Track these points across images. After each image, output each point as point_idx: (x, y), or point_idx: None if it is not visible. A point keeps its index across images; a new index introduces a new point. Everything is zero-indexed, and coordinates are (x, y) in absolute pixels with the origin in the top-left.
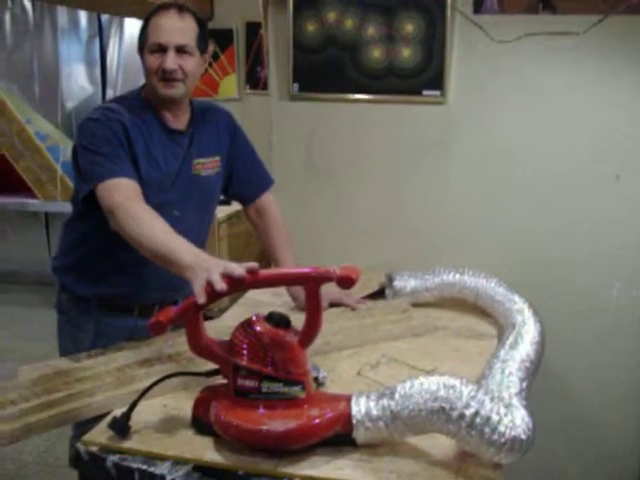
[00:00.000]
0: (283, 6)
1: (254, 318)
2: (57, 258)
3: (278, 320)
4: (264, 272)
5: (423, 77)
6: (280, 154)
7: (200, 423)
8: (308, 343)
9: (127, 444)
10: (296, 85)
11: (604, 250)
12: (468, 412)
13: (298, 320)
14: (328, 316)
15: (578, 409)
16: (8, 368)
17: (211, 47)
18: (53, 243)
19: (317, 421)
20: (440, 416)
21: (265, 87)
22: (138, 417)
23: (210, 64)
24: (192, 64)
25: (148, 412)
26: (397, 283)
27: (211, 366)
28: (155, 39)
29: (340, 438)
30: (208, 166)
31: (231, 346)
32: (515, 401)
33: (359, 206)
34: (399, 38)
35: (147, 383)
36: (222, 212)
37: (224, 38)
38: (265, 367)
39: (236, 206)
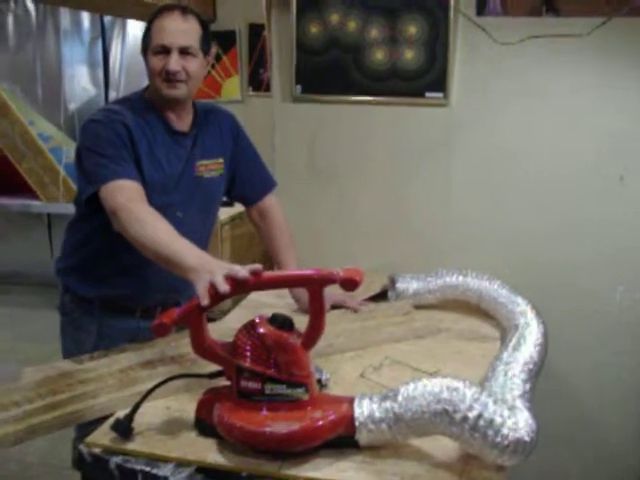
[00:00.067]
0: (286, 8)
1: (257, 320)
2: (60, 259)
3: (281, 322)
4: (267, 274)
5: (426, 79)
6: (283, 156)
7: (203, 425)
8: (311, 345)
9: (130, 446)
10: (299, 87)
11: (607, 252)
12: (471, 414)
13: (301, 322)
14: (331, 318)
15: (579, 409)
16: (11, 370)
17: (214, 49)
18: (56, 244)
19: (320, 423)
20: (443, 418)
21: (268, 89)
22: (141, 419)
23: (213, 66)
24: (195, 66)
25: (151, 414)
26: (400, 285)
27: (214, 368)
28: (159, 40)
29: (343, 440)
30: (211, 168)
31: (234, 348)
32: (518, 403)
33: (362, 208)
34: (402, 40)
35: (150, 385)
36: (225, 214)
37: (227, 40)
38: (268, 369)
39: (239, 208)
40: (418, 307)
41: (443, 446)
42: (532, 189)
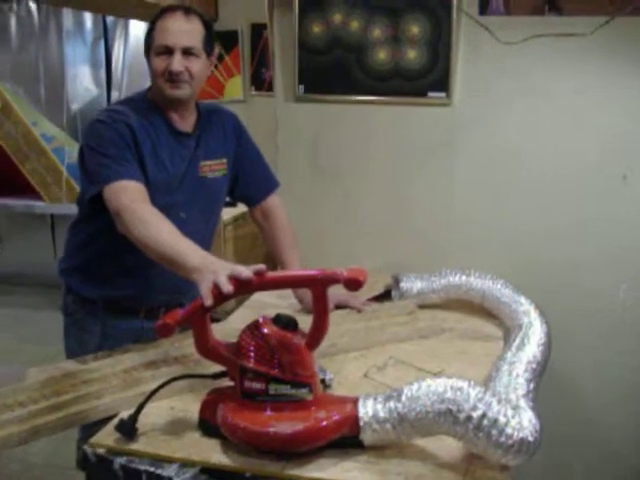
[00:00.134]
0: (288, 8)
1: (261, 320)
2: (63, 260)
3: (285, 322)
4: (271, 274)
5: (429, 79)
6: (286, 156)
7: (207, 425)
8: (315, 345)
9: (134, 446)
10: (302, 87)
11: (610, 251)
12: (475, 414)
13: (304, 322)
14: (334, 318)
15: (583, 408)
16: (15, 370)
17: (216, 49)
18: (59, 245)
19: (324, 423)
20: (447, 418)
21: (270, 89)
22: (145, 419)
23: (215, 66)
24: (198, 66)
25: (155, 414)
26: (403, 285)
27: (218, 368)
28: (162, 41)
29: (347, 440)
30: (214, 168)
31: (238, 348)
32: (522, 403)
33: (365, 208)
34: (405, 40)
35: (154, 385)
36: (228, 214)
37: (229, 40)
38: (272, 369)
39: (242, 208)
40: (422, 307)
41: (447, 446)
42: (535, 188)
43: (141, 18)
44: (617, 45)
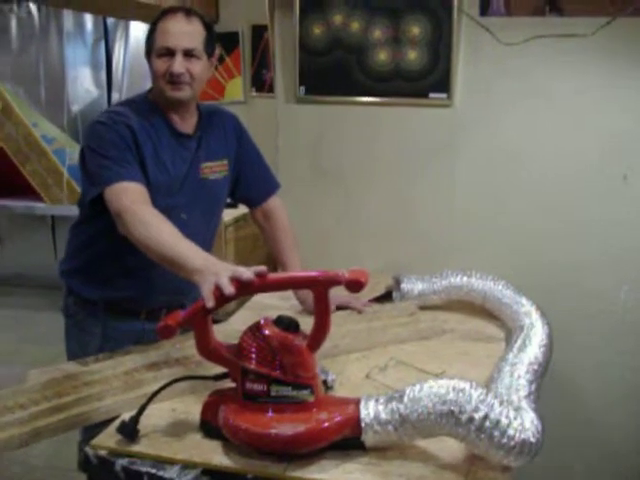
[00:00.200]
0: (289, 9)
1: (263, 322)
2: (64, 261)
3: (287, 324)
4: (272, 276)
5: (429, 80)
6: (286, 157)
7: (209, 427)
8: (317, 347)
9: (136, 448)
10: (302, 88)
11: (611, 252)
12: (477, 415)
13: (306, 323)
14: (336, 319)
15: (583, 409)
16: (16, 372)
17: (217, 50)
18: (59, 246)
19: (326, 425)
20: (449, 419)
21: (271, 90)
22: (147, 421)
23: (216, 67)
24: (199, 68)
25: (156, 416)
26: (405, 286)
27: (219, 370)
28: (163, 43)
29: (349, 442)
30: (216, 170)
31: (239, 350)
32: (524, 404)
33: (367, 209)
34: (405, 41)
35: (155, 387)
36: (229, 215)
37: (230, 41)
38: (274, 371)
39: (243, 209)
40: (423, 308)
41: (449, 447)
42: (536, 189)
43: (142, 19)
44: (618, 46)
